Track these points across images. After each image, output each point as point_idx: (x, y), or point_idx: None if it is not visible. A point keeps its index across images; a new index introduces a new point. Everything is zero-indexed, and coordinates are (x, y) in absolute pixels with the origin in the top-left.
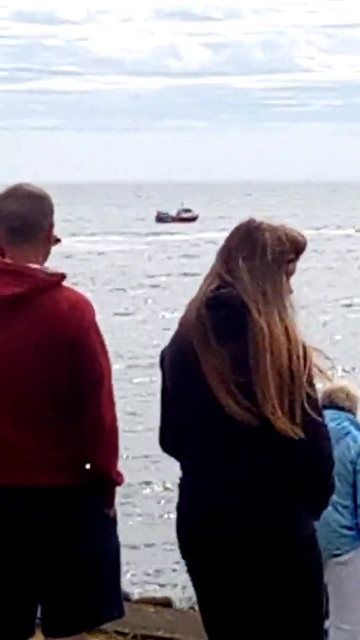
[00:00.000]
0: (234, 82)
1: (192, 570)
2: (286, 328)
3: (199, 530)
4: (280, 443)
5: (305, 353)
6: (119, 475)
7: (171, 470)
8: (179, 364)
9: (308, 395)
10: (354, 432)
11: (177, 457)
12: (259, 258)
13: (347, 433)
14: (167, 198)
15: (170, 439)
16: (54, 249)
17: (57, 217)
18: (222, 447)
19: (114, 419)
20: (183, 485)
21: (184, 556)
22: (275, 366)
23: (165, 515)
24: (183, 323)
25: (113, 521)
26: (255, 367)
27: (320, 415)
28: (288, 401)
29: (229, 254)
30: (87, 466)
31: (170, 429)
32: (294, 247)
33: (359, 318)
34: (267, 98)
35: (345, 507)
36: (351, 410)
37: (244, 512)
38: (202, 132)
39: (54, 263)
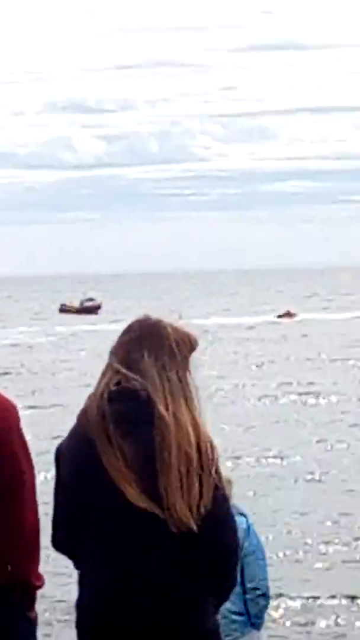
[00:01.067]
0: (129, 173)
1: None
2: (194, 420)
3: (100, 626)
4: (185, 536)
5: (212, 446)
6: (39, 578)
7: None
8: (80, 459)
9: (216, 487)
10: (238, 517)
11: (71, 555)
12: (164, 352)
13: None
14: (64, 290)
15: (65, 536)
16: None
17: None
18: (126, 540)
19: (35, 521)
20: (84, 581)
21: None
22: (182, 459)
23: None
24: (83, 417)
25: (33, 624)
26: (161, 461)
27: (228, 508)
28: (196, 494)
29: (128, 349)
30: (9, 567)
31: (65, 526)
32: (192, 343)
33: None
34: (163, 188)
35: (234, 592)
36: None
37: (147, 606)
38: (97, 224)
39: None
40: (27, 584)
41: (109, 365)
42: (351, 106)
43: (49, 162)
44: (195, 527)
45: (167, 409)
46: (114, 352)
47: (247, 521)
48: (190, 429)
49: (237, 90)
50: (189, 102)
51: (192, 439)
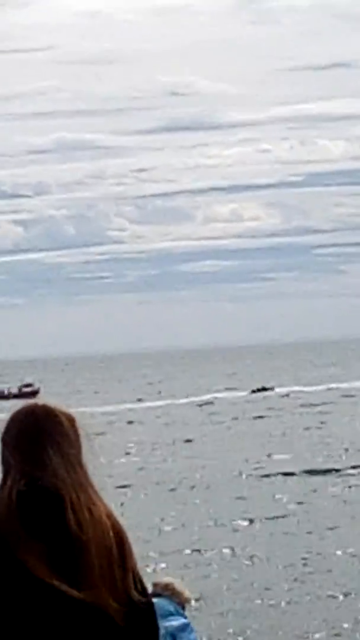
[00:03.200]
0: (47, 258)
1: None
2: (107, 510)
3: None
4: (111, 629)
5: (125, 535)
6: None
7: None
8: None
9: (135, 579)
10: (177, 614)
11: None
12: (64, 442)
13: (171, 614)
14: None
15: None
16: None
17: None
18: (49, 631)
19: None
20: None
21: None
22: (102, 553)
23: None
24: None
25: None
26: (80, 559)
27: (148, 594)
28: (119, 586)
29: (29, 444)
30: None
31: None
32: (77, 424)
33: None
34: (81, 271)
35: None
36: (178, 604)
37: None
38: (20, 309)
39: None
40: None
41: (10, 466)
42: (263, 184)
43: None
44: (119, 619)
45: (80, 507)
46: (12, 449)
47: (186, 621)
48: (107, 522)
49: (150, 171)
50: (103, 185)
51: (110, 532)
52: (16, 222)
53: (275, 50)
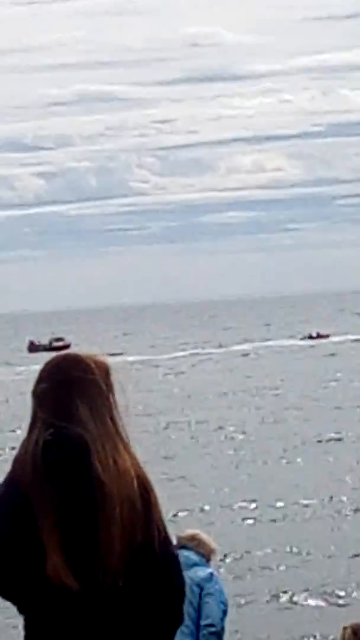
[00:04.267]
0: (70, 210)
1: None
2: (135, 462)
3: None
4: (120, 590)
5: (152, 487)
6: None
7: None
8: (11, 510)
9: (159, 530)
10: (200, 565)
11: (9, 599)
12: (95, 394)
13: (195, 564)
14: (22, 328)
15: (1, 582)
16: None
17: None
18: (59, 597)
19: None
20: (29, 629)
21: None
22: (124, 501)
23: None
24: (17, 470)
25: None
26: (101, 509)
27: (172, 548)
28: (141, 538)
29: (58, 397)
30: None
31: (1, 576)
32: (110, 373)
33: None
34: (104, 223)
35: (186, 627)
36: (203, 555)
37: None
38: (42, 262)
39: None
40: None
41: (37, 418)
42: (285, 134)
43: None
44: (136, 577)
45: (106, 457)
46: (40, 402)
47: (211, 571)
48: (132, 474)
49: (171, 123)
50: (124, 137)
51: (134, 481)
52: (38, 175)
53: (297, 0)
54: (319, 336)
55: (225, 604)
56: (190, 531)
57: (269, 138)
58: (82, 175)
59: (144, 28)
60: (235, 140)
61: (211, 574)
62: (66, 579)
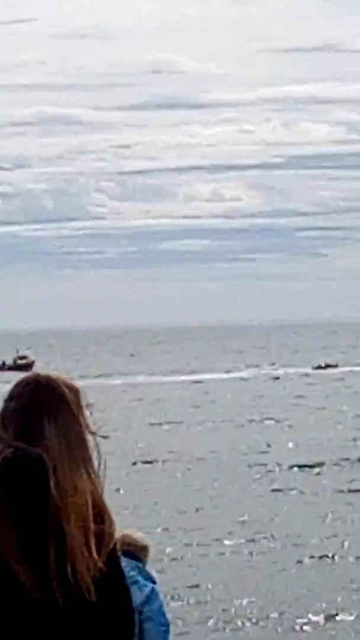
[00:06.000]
0: (25, 231)
1: None
2: (93, 488)
3: None
4: (80, 610)
5: (110, 516)
6: None
7: None
8: None
9: (113, 556)
10: (141, 580)
11: None
12: (65, 416)
13: (134, 582)
14: None
15: None
16: None
17: None
18: (14, 622)
19: None
20: None
21: None
22: (78, 528)
23: None
24: None
25: None
26: (57, 533)
27: (124, 576)
28: (93, 565)
29: (22, 417)
30: None
31: None
32: (81, 396)
33: None
34: (60, 246)
35: None
36: (139, 558)
37: None
38: None
39: None
40: None
41: (1, 437)
42: (245, 164)
43: None
44: (93, 598)
45: (64, 479)
46: (9, 419)
47: (152, 586)
48: (89, 498)
49: (131, 148)
50: (83, 160)
51: (90, 509)
52: None
53: (261, 31)
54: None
55: (165, 624)
56: (129, 533)
57: (228, 167)
58: (39, 196)
59: (105, 52)
60: (194, 168)
61: (152, 590)
62: (32, 586)
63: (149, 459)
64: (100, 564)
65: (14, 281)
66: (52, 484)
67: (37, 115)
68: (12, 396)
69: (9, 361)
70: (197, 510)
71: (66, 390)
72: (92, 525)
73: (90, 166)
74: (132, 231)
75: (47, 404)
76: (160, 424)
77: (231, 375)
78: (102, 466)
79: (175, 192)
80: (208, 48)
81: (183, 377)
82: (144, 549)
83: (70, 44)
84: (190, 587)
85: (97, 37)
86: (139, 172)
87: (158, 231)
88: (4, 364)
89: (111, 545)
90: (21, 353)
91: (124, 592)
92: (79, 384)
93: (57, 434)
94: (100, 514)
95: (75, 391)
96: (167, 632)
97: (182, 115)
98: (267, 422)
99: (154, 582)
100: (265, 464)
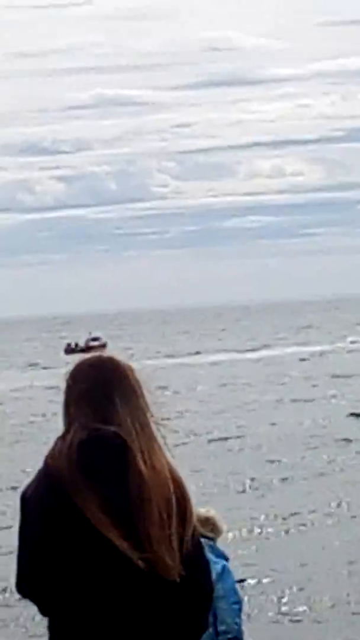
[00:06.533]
0: (89, 214)
1: None
2: (170, 466)
3: None
4: (164, 584)
5: (187, 490)
6: None
7: None
8: (51, 507)
9: (193, 533)
10: (213, 558)
11: (38, 601)
12: (131, 395)
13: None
14: (53, 332)
15: (33, 583)
16: None
17: None
18: (103, 589)
19: None
20: (56, 631)
21: None
22: (163, 508)
23: None
24: (52, 464)
25: None
26: (141, 511)
27: (204, 552)
28: (177, 542)
29: (95, 397)
30: None
31: (34, 573)
32: (140, 379)
33: None
34: (124, 227)
35: (207, 635)
36: (213, 539)
37: None
38: (61, 265)
39: None
40: None
41: (73, 419)
42: (305, 139)
43: (8, 205)
44: (174, 573)
45: (143, 457)
46: (78, 400)
47: (223, 563)
48: (168, 475)
49: (191, 127)
50: (143, 141)
51: (171, 485)
52: (57, 178)
53: (317, 5)
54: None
55: (238, 601)
56: (203, 512)
57: (289, 142)
58: (102, 179)
59: (161, 32)
60: (254, 144)
61: (223, 568)
62: (129, 551)
63: (225, 436)
64: (187, 539)
65: (81, 264)
66: (132, 463)
67: (96, 98)
68: (77, 378)
69: (82, 343)
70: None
71: (129, 371)
72: (174, 502)
73: (150, 146)
74: (195, 210)
75: (117, 385)
76: (238, 401)
77: (307, 349)
78: (166, 445)
79: (237, 170)
80: (264, 24)
81: (257, 354)
82: (216, 526)
83: (126, 25)
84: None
85: (152, 18)
86: (200, 151)
87: (221, 209)
88: (76, 345)
89: (193, 521)
90: (93, 335)
91: (206, 567)
92: (135, 364)
93: (129, 413)
94: (180, 490)
95: (134, 371)
96: (240, 609)
97: (241, 92)
98: (349, 396)
99: (226, 559)
100: (351, 440)
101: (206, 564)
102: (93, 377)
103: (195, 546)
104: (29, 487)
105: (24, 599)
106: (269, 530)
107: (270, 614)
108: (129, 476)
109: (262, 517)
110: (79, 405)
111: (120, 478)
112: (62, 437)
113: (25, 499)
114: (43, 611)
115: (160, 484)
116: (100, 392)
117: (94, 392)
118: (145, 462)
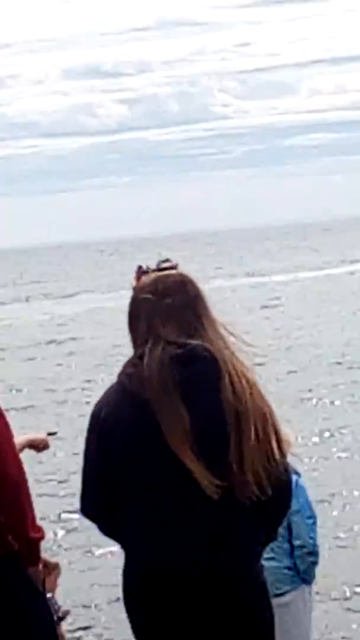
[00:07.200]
0: (152, 136)
1: (147, 626)
2: (254, 380)
3: (153, 592)
4: (237, 506)
5: (271, 406)
6: (37, 530)
7: None
8: (133, 425)
9: (281, 451)
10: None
11: (102, 521)
12: (208, 311)
13: None
14: (119, 255)
15: (98, 503)
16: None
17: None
18: (176, 507)
19: (16, 474)
20: (129, 550)
21: (137, 612)
22: (259, 420)
23: None
24: (135, 380)
25: (34, 580)
26: (237, 425)
27: (288, 470)
28: (273, 453)
29: (180, 313)
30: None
31: (101, 492)
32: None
33: None
34: (187, 148)
35: (280, 548)
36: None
37: (205, 562)
38: (127, 188)
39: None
40: (24, 539)
41: (158, 335)
42: None
43: (72, 129)
44: (259, 494)
45: (235, 370)
46: (164, 319)
47: (296, 478)
48: (259, 389)
49: (252, 46)
50: (204, 61)
51: (264, 397)
52: (120, 101)
53: None
54: None
55: (313, 516)
56: None
57: (350, 59)
58: (164, 100)
59: None
60: (316, 62)
61: (296, 483)
62: (204, 481)
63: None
64: (281, 462)
65: (145, 186)
66: (228, 380)
67: (157, 20)
68: (162, 294)
69: (153, 266)
70: None
71: (201, 290)
72: (271, 421)
73: (212, 66)
74: (258, 129)
75: (198, 301)
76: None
77: None
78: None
79: (299, 88)
80: None
81: (336, 270)
82: (288, 443)
83: None
84: None
85: None
86: (261, 70)
87: (284, 127)
88: (148, 268)
89: (282, 437)
90: (164, 256)
91: (290, 487)
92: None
93: (213, 329)
94: (268, 405)
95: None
96: (314, 523)
97: (301, 9)
98: None
99: (298, 474)
100: None
101: (291, 484)
102: (179, 292)
103: (285, 465)
104: (102, 406)
105: (88, 519)
106: None
107: None
108: (222, 390)
109: None
110: (165, 321)
111: (214, 392)
112: (149, 353)
113: (100, 418)
114: (107, 530)
115: (257, 400)
116: (188, 307)
117: (181, 307)
118: (240, 379)
